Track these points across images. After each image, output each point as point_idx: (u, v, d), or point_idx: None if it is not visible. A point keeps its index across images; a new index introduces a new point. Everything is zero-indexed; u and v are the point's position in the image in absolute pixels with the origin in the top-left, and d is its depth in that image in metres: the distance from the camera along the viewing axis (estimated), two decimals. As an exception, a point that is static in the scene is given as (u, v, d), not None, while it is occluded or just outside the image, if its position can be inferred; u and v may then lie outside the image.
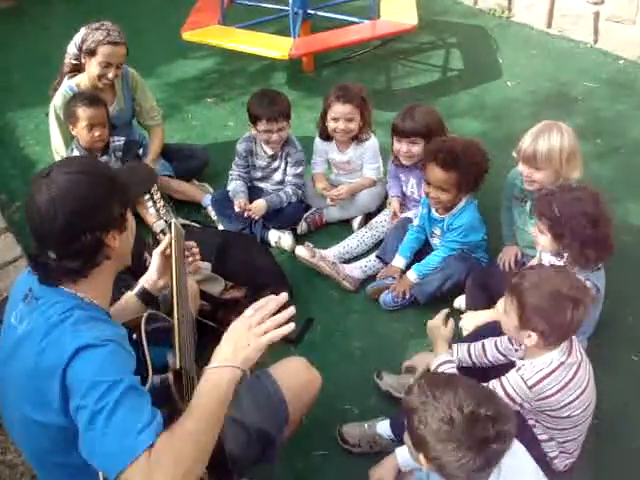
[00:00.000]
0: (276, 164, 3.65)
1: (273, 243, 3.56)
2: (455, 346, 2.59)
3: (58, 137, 3.66)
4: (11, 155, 4.46)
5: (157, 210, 3.53)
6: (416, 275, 3.14)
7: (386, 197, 3.69)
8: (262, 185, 3.73)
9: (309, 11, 5.07)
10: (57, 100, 3.59)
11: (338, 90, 3.47)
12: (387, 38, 5.36)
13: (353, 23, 4.92)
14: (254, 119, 3.52)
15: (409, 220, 3.38)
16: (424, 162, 3.07)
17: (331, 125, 3.52)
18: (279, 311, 1.78)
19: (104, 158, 3.51)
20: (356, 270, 3.33)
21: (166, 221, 2.27)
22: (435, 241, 3.23)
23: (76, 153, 3.47)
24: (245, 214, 3.50)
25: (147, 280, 2.17)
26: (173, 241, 2.09)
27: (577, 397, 2.20)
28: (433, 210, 3.17)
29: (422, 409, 1.74)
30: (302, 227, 3.64)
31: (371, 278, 3.33)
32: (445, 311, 2.64)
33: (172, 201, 3.77)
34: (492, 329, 2.55)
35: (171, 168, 3.91)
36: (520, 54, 5.29)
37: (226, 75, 5.29)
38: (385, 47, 5.48)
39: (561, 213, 2.48)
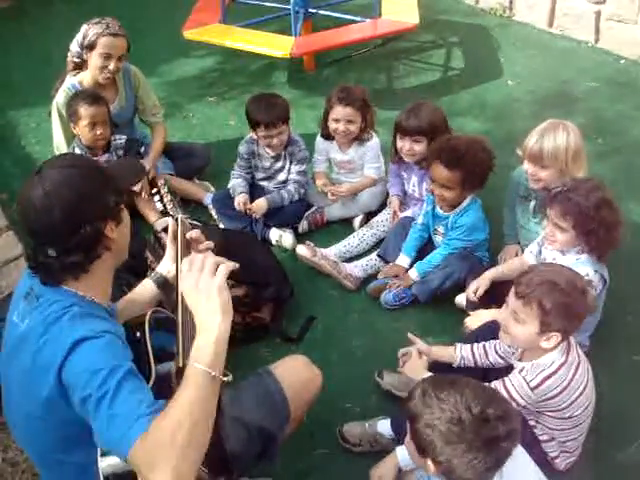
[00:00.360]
0: (280, 164, 3.65)
1: (274, 242, 3.57)
2: (458, 345, 2.60)
3: (60, 135, 3.66)
4: (12, 154, 4.47)
5: (164, 205, 3.55)
6: (417, 273, 3.15)
7: (387, 196, 3.69)
8: (265, 184, 3.73)
9: (310, 10, 5.07)
10: (59, 98, 3.59)
11: (340, 92, 3.47)
12: (388, 37, 5.36)
13: (354, 22, 4.92)
14: (253, 125, 3.53)
15: (410, 219, 3.39)
16: (429, 160, 3.08)
17: (332, 126, 3.52)
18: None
19: (106, 156, 3.51)
20: (357, 269, 3.33)
21: (172, 216, 2.26)
22: (438, 239, 3.23)
23: (77, 151, 3.48)
24: (246, 212, 3.50)
25: (163, 268, 2.17)
26: (179, 234, 2.09)
27: (577, 397, 2.21)
28: (437, 207, 3.17)
29: (428, 412, 1.72)
30: (303, 226, 3.64)
31: (372, 277, 3.34)
32: (415, 347, 2.61)
33: (178, 197, 3.77)
34: (493, 329, 2.55)
35: (172, 166, 3.91)
36: (521, 53, 5.29)
37: (227, 74, 5.29)
38: (386, 46, 5.48)
39: (589, 206, 2.49)
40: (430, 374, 2.44)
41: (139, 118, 3.97)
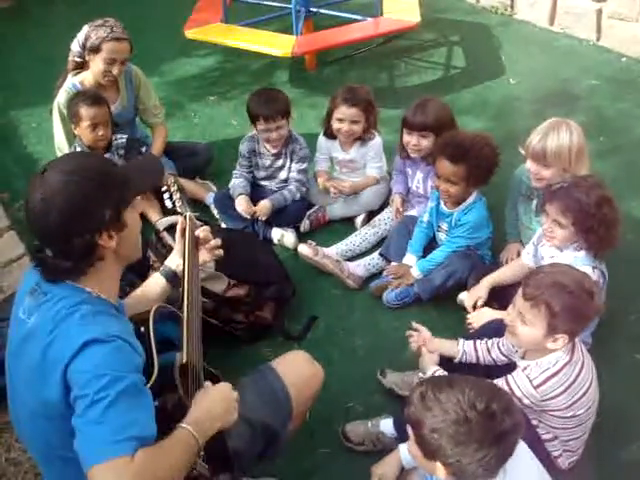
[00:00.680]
0: (280, 162, 3.65)
1: (276, 241, 3.57)
2: (461, 340, 2.60)
3: (61, 135, 3.66)
4: (14, 153, 4.47)
5: (173, 203, 3.53)
6: (419, 271, 3.15)
7: (389, 195, 3.69)
8: (266, 184, 3.73)
9: (311, 9, 5.07)
10: (61, 97, 3.59)
11: (345, 92, 3.48)
12: (390, 36, 5.36)
13: (355, 21, 4.92)
14: (253, 119, 3.53)
15: (412, 218, 3.38)
16: (434, 155, 3.08)
17: (336, 125, 3.53)
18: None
19: (106, 156, 3.51)
20: (359, 268, 3.33)
21: (181, 213, 2.26)
22: (441, 236, 3.23)
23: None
24: (249, 215, 3.51)
25: (172, 262, 2.19)
26: (187, 231, 2.10)
27: (581, 396, 2.20)
28: (442, 204, 3.17)
29: (430, 416, 1.69)
30: (305, 225, 3.64)
31: (374, 276, 3.34)
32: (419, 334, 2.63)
33: (187, 196, 3.76)
34: (495, 328, 2.55)
35: (174, 166, 3.91)
36: (522, 52, 5.29)
37: (228, 73, 5.29)
38: (387, 45, 5.48)
39: (590, 203, 2.49)
40: (437, 368, 2.44)
41: (140, 119, 3.97)
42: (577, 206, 2.51)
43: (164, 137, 3.93)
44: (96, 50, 3.47)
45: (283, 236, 3.55)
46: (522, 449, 1.90)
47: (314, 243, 3.42)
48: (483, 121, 4.45)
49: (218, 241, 2.20)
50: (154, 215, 3.58)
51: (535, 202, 3.04)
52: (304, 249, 3.38)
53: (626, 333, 2.97)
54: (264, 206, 3.51)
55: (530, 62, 5.14)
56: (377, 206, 3.70)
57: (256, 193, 3.66)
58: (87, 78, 3.62)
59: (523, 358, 2.32)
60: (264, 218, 3.52)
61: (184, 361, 1.76)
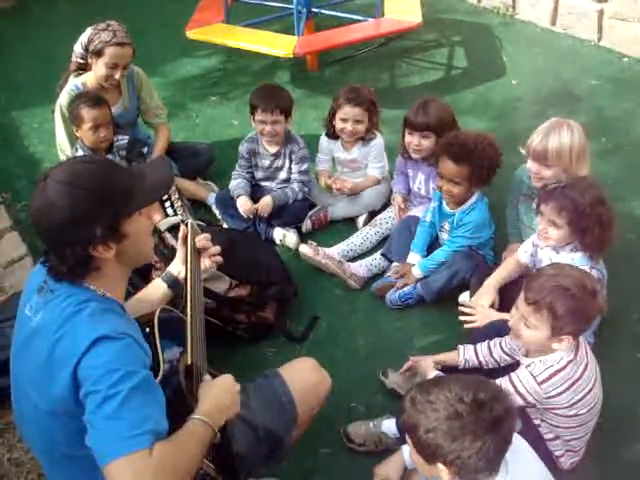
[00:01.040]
0: (280, 162, 3.65)
1: (278, 241, 3.57)
2: (461, 347, 2.62)
3: (63, 136, 3.66)
4: (16, 154, 4.47)
5: (175, 210, 3.55)
6: (420, 270, 3.14)
7: (391, 195, 3.69)
8: (266, 184, 3.73)
9: (313, 9, 5.07)
10: (63, 99, 3.59)
11: (349, 92, 3.48)
12: (391, 36, 5.36)
13: (357, 21, 4.92)
14: (252, 108, 3.54)
15: (414, 218, 3.38)
16: (437, 155, 3.08)
17: (339, 125, 3.53)
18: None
19: (108, 157, 3.51)
20: (361, 268, 3.33)
21: (183, 221, 2.27)
22: (444, 236, 3.23)
23: (80, 153, 3.46)
24: (251, 215, 3.52)
25: (174, 268, 2.19)
26: (189, 239, 2.11)
27: (584, 396, 2.21)
28: (444, 204, 3.17)
29: (423, 418, 1.71)
30: (307, 225, 3.64)
31: (376, 276, 3.34)
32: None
33: (189, 202, 3.76)
34: (497, 329, 2.55)
35: (176, 166, 3.91)
36: (524, 52, 5.29)
37: (230, 73, 5.30)
38: (389, 45, 5.48)
39: (585, 203, 2.50)
40: (437, 372, 2.46)
41: (142, 120, 3.98)
42: (572, 206, 2.51)
43: (167, 137, 3.93)
44: (98, 54, 3.47)
45: (285, 236, 3.55)
46: (524, 447, 1.91)
47: (315, 243, 3.42)
48: (484, 121, 4.45)
49: (217, 248, 2.20)
50: (156, 216, 3.58)
51: (536, 202, 3.04)
52: (305, 249, 3.39)
53: (628, 332, 2.97)
54: (265, 203, 3.52)
55: (531, 62, 5.14)
56: (379, 206, 3.70)
57: (257, 194, 3.66)
58: (89, 79, 3.62)
59: (526, 356, 2.32)
60: (266, 215, 3.52)
61: (189, 362, 1.77)
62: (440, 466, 1.72)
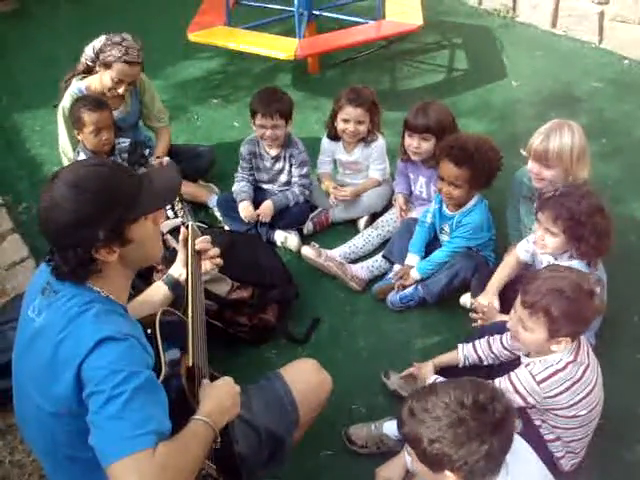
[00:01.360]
0: (280, 165, 3.66)
1: (279, 243, 3.58)
2: (460, 346, 2.63)
3: (65, 138, 3.66)
4: (17, 156, 4.48)
5: (175, 213, 3.55)
6: (419, 273, 3.15)
7: (392, 197, 3.70)
8: (268, 187, 3.74)
9: (314, 12, 5.07)
10: (66, 101, 3.59)
11: (350, 93, 3.49)
12: (392, 38, 5.37)
13: (358, 24, 4.92)
14: (252, 112, 3.54)
15: (415, 221, 3.38)
16: (438, 157, 3.09)
17: (341, 126, 3.54)
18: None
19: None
20: (362, 270, 3.33)
21: (183, 223, 2.27)
22: (444, 238, 3.24)
23: (82, 156, 3.46)
24: (253, 221, 3.53)
25: (175, 271, 2.20)
26: (190, 241, 2.12)
27: (584, 397, 2.21)
28: (444, 206, 3.18)
29: (425, 428, 1.68)
30: (308, 227, 3.64)
31: (377, 278, 3.34)
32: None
33: (188, 205, 3.76)
34: (498, 329, 2.56)
35: (177, 169, 3.91)
36: (525, 54, 5.29)
37: (231, 76, 5.30)
38: (390, 47, 5.48)
39: (581, 212, 2.49)
40: (437, 377, 2.46)
41: (144, 123, 3.98)
42: (568, 215, 2.50)
43: (168, 140, 3.93)
44: (107, 66, 3.48)
45: (286, 238, 3.56)
46: (524, 448, 1.90)
47: (317, 245, 3.43)
48: (485, 123, 4.46)
49: (217, 250, 2.21)
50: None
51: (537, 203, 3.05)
52: (307, 251, 3.39)
53: (629, 334, 2.98)
54: (266, 207, 3.53)
55: (532, 64, 5.14)
56: (380, 208, 3.70)
57: (259, 197, 3.67)
58: (94, 83, 3.61)
59: (527, 356, 2.33)
60: (268, 219, 3.52)
61: (190, 364, 1.78)
62: (447, 473, 1.70)
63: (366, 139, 3.59)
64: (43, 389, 1.65)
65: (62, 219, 1.64)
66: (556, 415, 2.26)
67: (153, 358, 1.71)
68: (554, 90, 4.79)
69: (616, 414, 2.56)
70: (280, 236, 3.57)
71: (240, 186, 3.66)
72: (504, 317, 2.59)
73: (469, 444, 1.64)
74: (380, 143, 3.62)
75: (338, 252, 3.44)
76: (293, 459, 2.29)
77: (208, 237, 2.21)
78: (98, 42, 3.56)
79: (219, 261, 2.22)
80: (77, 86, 3.62)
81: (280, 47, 4.60)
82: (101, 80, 3.56)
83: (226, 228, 3.64)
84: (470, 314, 2.87)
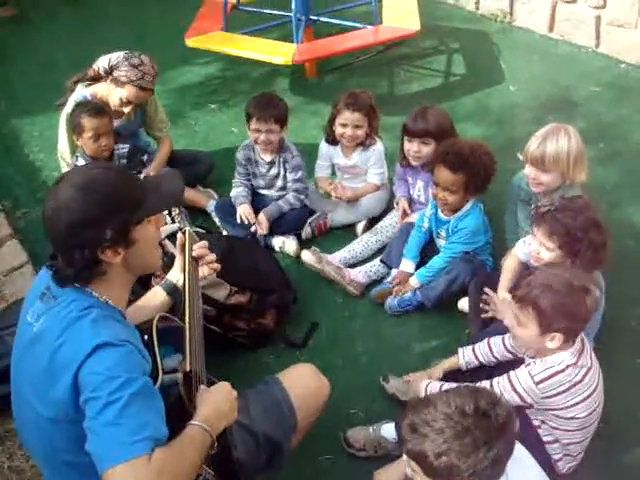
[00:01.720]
0: (275, 171, 3.66)
1: (277, 248, 3.58)
2: (460, 351, 2.63)
3: (65, 143, 3.64)
4: (16, 162, 4.48)
5: (172, 219, 3.55)
6: (418, 281, 3.14)
7: (390, 202, 3.70)
8: (266, 192, 3.74)
9: (312, 17, 5.09)
10: (69, 107, 3.55)
11: (348, 97, 3.50)
12: (390, 43, 5.38)
13: (356, 29, 4.94)
14: (247, 116, 3.55)
15: (413, 225, 3.38)
16: (433, 163, 3.10)
17: (339, 130, 3.55)
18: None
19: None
20: (361, 275, 3.34)
21: (180, 229, 2.28)
22: (441, 242, 3.24)
23: (81, 161, 3.47)
24: (250, 223, 3.53)
25: (173, 276, 2.20)
26: (187, 246, 2.12)
27: (583, 400, 2.21)
28: (439, 211, 3.18)
29: (429, 443, 1.65)
30: (306, 232, 3.65)
31: (376, 282, 3.34)
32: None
33: (187, 209, 3.76)
34: (500, 329, 2.56)
35: (180, 175, 3.90)
36: (522, 59, 5.31)
37: (229, 81, 5.31)
38: (387, 53, 5.50)
39: (577, 228, 2.47)
40: (428, 381, 2.49)
41: (145, 132, 3.98)
42: (563, 230, 2.49)
43: (168, 149, 3.92)
44: (119, 84, 3.47)
45: (285, 243, 3.56)
46: (523, 453, 1.91)
47: (317, 250, 3.43)
48: (483, 128, 4.47)
49: (213, 256, 2.22)
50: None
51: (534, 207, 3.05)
52: (307, 256, 3.39)
53: (628, 339, 2.98)
54: (261, 220, 3.52)
55: (529, 69, 5.16)
56: (378, 213, 3.71)
57: (257, 202, 3.67)
58: (100, 91, 3.58)
59: (532, 357, 2.33)
60: (265, 232, 3.52)
61: (187, 369, 1.78)
62: None
63: (364, 143, 3.60)
64: (41, 394, 1.65)
65: (69, 219, 1.65)
66: (556, 416, 2.26)
67: (150, 364, 1.71)
68: (552, 94, 4.80)
69: (615, 418, 2.56)
70: (278, 241, 3.57)
71: (238, 191, 3.66)
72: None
73: (476, 453, 1.62)
74: (378, 147, 3.63)
75: (337, 257, 3.44)
76: (291, 464, 2.29)
77: (205, 242, 2.22)
78: (115, 57, 3.51)
79: (216, 266, 2.23)
80: (82, 93, 3.59)
81: (278, 52, 4.61)
82: (110, 95, 3.54)
83: (224, 233, 3.64)
84: (481, 305, 2.85)
